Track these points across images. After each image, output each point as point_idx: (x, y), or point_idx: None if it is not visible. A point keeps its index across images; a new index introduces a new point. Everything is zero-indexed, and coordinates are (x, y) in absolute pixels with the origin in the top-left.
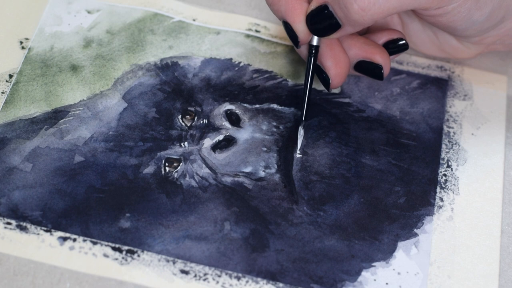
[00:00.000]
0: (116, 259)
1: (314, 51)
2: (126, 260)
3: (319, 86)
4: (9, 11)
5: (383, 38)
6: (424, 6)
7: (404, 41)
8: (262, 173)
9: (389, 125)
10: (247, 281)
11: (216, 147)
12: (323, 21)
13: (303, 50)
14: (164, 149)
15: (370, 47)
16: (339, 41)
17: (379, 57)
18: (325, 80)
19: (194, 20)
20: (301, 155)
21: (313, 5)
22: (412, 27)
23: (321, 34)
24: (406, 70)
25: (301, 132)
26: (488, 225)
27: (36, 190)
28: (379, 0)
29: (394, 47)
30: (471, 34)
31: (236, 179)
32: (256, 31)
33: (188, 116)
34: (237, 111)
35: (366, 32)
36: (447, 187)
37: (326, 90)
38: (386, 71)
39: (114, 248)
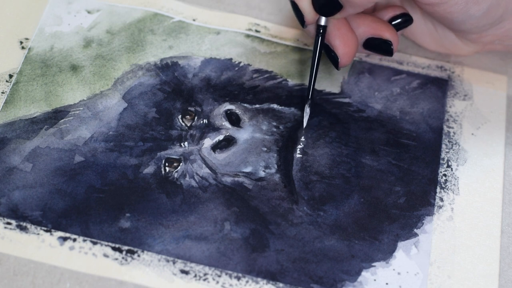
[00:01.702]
0: (116, 259)
1: (321, 30)
2: (126, 260)
3: (319, 86)
4: (9, 11)
5: (388, 15)
6: None
7: (408, 15)
8: (262, 173)
9: (389, 125)
10: (247, 281)
11: (216, 147)
12: (326, 2)
13: (311, 30)
14: (164, 149)
15: (378, 24)
16: (346, 21)
17: (388, 34)
18: (334, 59)
19: (194, 20)
20: (301, 155)
21: None
22: (413, 19)
23: (326, 13)
24: (406, 70)
25: (307, 110)
26: (488, 225)
27: (36, 190)
28: None
29: (399, 22)
30: (468, 29)
31: (236, 179)
32: (256, 31)
33: (188, 116)
34: (237, 111)
35: (372, 11)
36: (447, 187)
37: (336, 69)
38: (395, 47)
39: (114, 248)
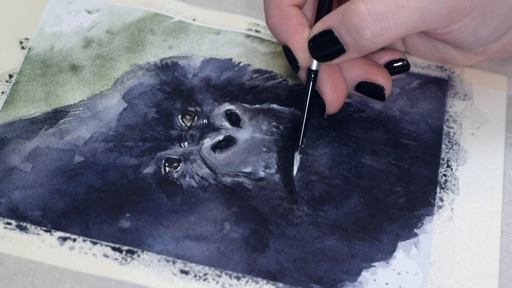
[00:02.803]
0: (116, 259)
1: (313, 75)
2: (126, 260)
3: None
4: (9, 11)
5: (384, 58)
6: (432, 28)
7: (406, 62)
8: (262, 173)
9: (389, 125)
10: (247, 281)
11: (216, 147)
12: (326, 46)
13: (301, 74)
14: (164, 149)
15: (372, 68)
16: (338, 65)
17: (381, 78)
18: (322, 106)
19: (194, 20)
20: (301, 155)
21: (316, 30)
22: (410, 41)
23: (323, 59)
24: None
25: (297, 157)
26: (488, 225)
27: (36, 190)
28: (390, 26)
29: (396, 67)
30: (475, 47)
31: (236, 179)
32: (256, 31)
33: (188, 116)
34: (237, 111)
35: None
36: (447, 187)
37: (322, 116)
38: (387, 92)
39: (114, 248)
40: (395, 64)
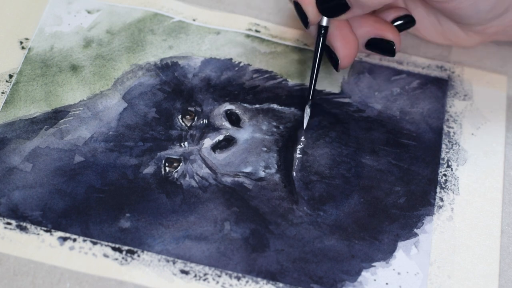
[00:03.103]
0: (116, 259)
1: (323, 31)
2: (126, 260)
3: (319, 86)
4: (9, 11)
5: (390, 15)
6: None
7: (410, 16)
8: (262, 173)
9: (389, 125)
10: (247, 281)
11: (216, 147)
12: (331, 1)
13: (312, 30)
14: (164, 149)
15: (381, 24)
16: (348, 22)
17: (390, 34)
18: (334, 60)
19: (194, 20)
20: (301, 155)
21: None
22: (415, 13)
23: (330, 14)
24: (406, 70)
25: (307, 111)
26: (488, 225)
27: (36, 190)
28: None
29: (402, 23)
30: (474, 22)
31: (236, 179)
32: (256, 31)
33: (188, 116)
34: (237, 111)
35: (373, 12)
36: (447, 187)
37: (335, 71)
38: (397, 47)
39: (114, 248)
40: (400, 21)
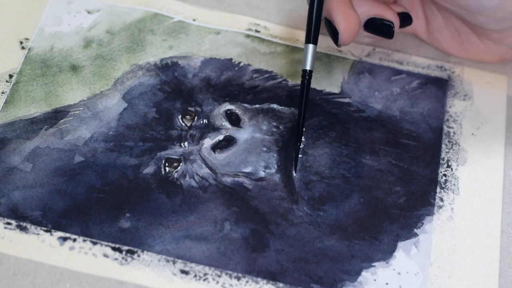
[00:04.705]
0: (116, 259)
1: (307, 76)
2: (126, 260)
3: (319, 86)
4: (9, 11)
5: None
6: None
7: (408, 15)
8: (262, 173)
9: (389, 125)
10: (247, 281)
11: (216, 147)
12: None
13: None
14: (164, 149)
15: (380, 5)
16: (349, 1)
17: (390, 14)
18: (334, 33)
19: (194, 20)
20: (301, 155)
21: None
22: (435, 23)
23: None
24: (406, 70)
25: (310, 49)
26: (488, 225)
27: (36, 190)
28: None
29: (400, 20)
30: (486, 23)
31: (236, 179)
32: (256, 31)
33: (188, 116)
34: (237, 111)
35: None
36: (447, 187)
37: (336, 46)
38: (396, 29)
39: (114, 248)
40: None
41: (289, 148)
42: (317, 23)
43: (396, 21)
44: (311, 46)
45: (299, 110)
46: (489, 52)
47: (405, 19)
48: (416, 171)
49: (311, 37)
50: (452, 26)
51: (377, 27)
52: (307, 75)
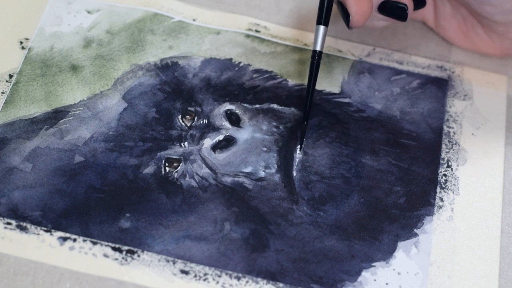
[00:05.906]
0: (116, 259)
1: (317, 57)
2: (126, 260)
3: (319, 86)
4: (9, 11)
5: None
6: None
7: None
8: (262, 173)
9: (389, 125)
10: (247, 281)
11: (216, 147)
12: None
13: None
14: (164, 149)
15: None
16: None
17: None
18: (346, 15)
19: (194, 20)
20: (301, 155)
21: None
22: (443, 11)
23: None
24: (406, 70)
25: (320, 31)
26: (488, 225)
27: (36, 190)
28: None
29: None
30: (492, 13)
31: (236, 179)
32: (256, 31)
33: (188, 116)
34: (237, 111)
35: None
36: (447, 187)
37: (347, 28)
38: (410, 12)
39: (114, 248)
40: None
41: (289, 148)
42: (329, 4)
43: (410, 3)
44: (322, 27)
45: (307, 91)
46: (493, 45)
47: (419, 2)
48: (416, 171)
49: (323, 19)
50: (460, 16)
51: (391, 9)
52: (316, 56)
